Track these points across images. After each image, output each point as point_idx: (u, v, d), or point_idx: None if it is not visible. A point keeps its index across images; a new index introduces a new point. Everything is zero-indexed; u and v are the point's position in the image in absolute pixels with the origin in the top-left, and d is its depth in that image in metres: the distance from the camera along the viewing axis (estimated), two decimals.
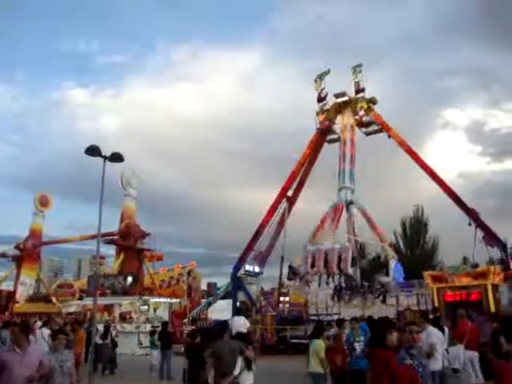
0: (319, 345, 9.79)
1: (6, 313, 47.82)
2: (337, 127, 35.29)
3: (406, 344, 6.18)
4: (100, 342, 17.64)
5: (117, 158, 17.17)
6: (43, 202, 57.51)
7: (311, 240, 28.55)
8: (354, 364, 10.62)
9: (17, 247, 55.45)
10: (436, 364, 8.66)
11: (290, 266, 27.74)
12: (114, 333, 19.71)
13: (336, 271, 25.18)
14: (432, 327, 9.35)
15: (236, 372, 7.51)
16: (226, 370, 7.44)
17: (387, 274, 25.34)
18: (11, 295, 53.50)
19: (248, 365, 7.73)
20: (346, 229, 30.73)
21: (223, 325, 9.49)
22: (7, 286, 56.96)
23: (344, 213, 30.75)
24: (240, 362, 7.63)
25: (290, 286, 26.95)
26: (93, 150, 16.45)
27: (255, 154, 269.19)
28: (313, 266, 25.77)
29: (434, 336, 8.98)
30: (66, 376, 6.76)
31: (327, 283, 26.13)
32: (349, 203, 31.00)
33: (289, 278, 27.40)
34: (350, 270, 25.00)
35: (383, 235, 30.28)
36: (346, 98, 33.71)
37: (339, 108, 34.44)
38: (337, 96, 34.06)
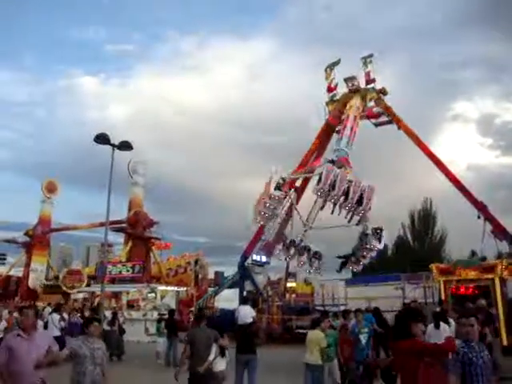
0: (316, 335, 9.88)
1: (16, 298, 48.36)
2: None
3: (464, 337, 5.75)
4: (108, 328, 17.81)
5: (126, 146, 17.28)
6: (50, 189, 57.83)
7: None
8: (359, 355, 10.68)
9: (26, 234, 55.95)
10: None
11: (283, 178, 24.23)
12: (121, 320, 19.88)
13: (353, 206, 21.34)
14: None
15: (211, 358, 8.28)
16: (200, 356, 8.22)
17: (379, 241, 23.34)
18: (21, 281, 54.10)
19: (222, 352, 8.52)
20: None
21: (200, 314, 9.96)
22: (16, 271, 57.58)
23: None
24: (215, 349, 8.35)
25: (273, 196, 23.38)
26: (102, 138, 16.55)
27: (263, 143, 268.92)
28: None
29: None
30: (97, 365, 6.29)
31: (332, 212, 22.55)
32: (340, 166, 27.52)
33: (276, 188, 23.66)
34: (368, 214, 21.66)
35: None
36: (355, 83, 33.18)
37: (349, 95, 34.11)
38: (346, 80, 33.62)
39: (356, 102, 32.29)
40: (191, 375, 8.33)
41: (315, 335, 9.89)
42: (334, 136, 35.20)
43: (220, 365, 8.48)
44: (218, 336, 8.60)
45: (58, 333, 15.96)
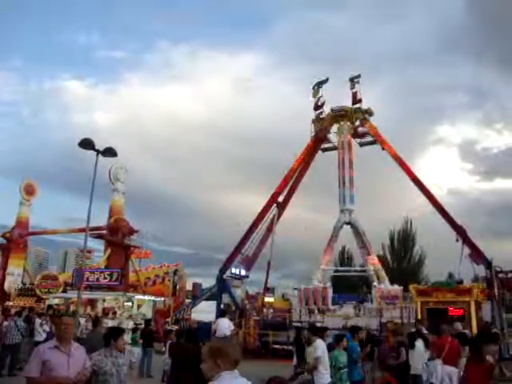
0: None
1: None
2: (332, 136, 35.48)
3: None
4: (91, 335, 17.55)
5: (110, 152, 17.18)
6: (28, 191, 56.82)
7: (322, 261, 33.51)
8: (357, 376, 10.10)
9: (3, 236, 54.99)
10: (321, 378, 8.60)
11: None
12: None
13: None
14: (320, 340, 9.12)
15: None
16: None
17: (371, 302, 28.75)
18: None
19: None
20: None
21: (96, 320, 11.41)
22: None
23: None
24: None
25: None
26: (86, 144, 16.45)
27: (248, 158, 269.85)
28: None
29: (320, 350, 8.82)
30: None
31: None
32: (347, 223, 33.98)
33: None
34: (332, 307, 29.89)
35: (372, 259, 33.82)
36: (342, 112, 34.12)
37: (335, 117, 34.60)
38: (333, 110, 34.49)
39: (346, 130, 34.00)
40: None
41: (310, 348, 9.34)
42: (320, 154, 35.65)
43: None
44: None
45: (42, 338, 15.76)
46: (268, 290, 35.34)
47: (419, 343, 11.07)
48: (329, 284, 31.53)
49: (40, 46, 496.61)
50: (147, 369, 16.07)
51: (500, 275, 24.97)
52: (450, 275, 39.98)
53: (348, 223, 33.80)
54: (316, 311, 29.85)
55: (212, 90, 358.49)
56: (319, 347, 8.87)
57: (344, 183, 33.78)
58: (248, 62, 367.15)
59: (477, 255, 27.03)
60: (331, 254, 34.75)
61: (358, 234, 33.75)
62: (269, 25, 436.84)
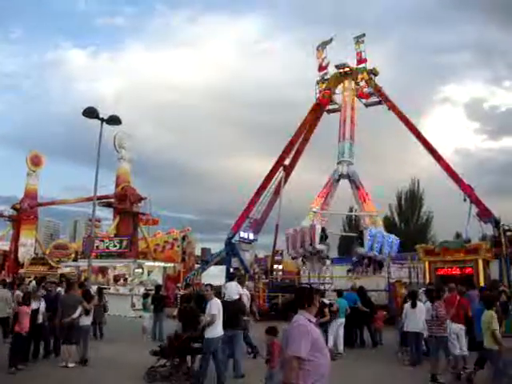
0: (490, 316, 8.57)
1: (3, 272, 48.17)
2: (337, 97, 35.07)
3: None
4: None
5: (114, 120, 17.10)
6: (35, 162, 56.90)
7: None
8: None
9: (13, 207, 55.41)
10: (211, 332, 9.12)
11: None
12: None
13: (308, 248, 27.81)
14: (216, 299, 9.61)
15: (75, 316, 11.44)
16: (67, 314, 11.42)
17: (361, 245, 26.47)
18: (8, 254, 53.79)
19: (86, 312, 11.84)
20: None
21: (69, 283, 13.70)
22: (2, 245, 57.14)
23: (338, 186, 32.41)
24: (80, 309, 11.60)
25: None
26: (90, 112, 16.37)
27: (253, 121, 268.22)
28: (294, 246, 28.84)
29: (215, 307, 9.25)
30: None
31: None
32: (346, 177, 31.48)
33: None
34: (318, 246, 27.54)
35: (375, 212, 31.68)
36: (347, 69, 33.41)
37: (340, 78, 34.12)
38: (338, 67, 33.75)
39: (350, 86, 32.93)
40: (60, 327, 11.59)
41: (488, 315, 8.64)
42: (325, 115, 35.30)
43: (84, 321, 11.79)
44: (83, 300, 11.88)
45: None
46: (277, 252, 35.62)
47: (420, 302, 11.59)
48: (316, 223, 29.02)
49: (38, 15, 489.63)
50: (159, 333, 16.37)
51: (508, 233, 24.97)
52: (458, 235, 40.04)
53: (347, 176, 31.36)
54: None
55: (215, 55, 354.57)
56: (214, 305, 9.33)
57: (344, 137, 31.73)
58: (250, 26, 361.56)
59: (484, 214, 26.99)
60: (324, 201, 31.33)
61: (356, 186, 31.24)
62: None
